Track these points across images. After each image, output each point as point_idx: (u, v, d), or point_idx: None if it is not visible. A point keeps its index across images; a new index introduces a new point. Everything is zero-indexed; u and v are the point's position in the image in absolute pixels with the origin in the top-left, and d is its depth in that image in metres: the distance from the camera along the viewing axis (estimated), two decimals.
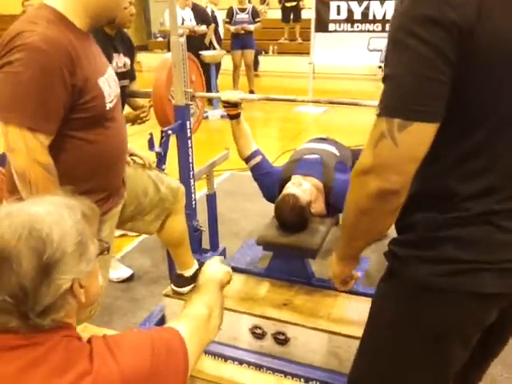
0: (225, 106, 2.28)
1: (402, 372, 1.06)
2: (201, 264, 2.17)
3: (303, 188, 2.17)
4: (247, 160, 2.37)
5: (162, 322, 2.23)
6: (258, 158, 2.36)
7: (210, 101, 6.72)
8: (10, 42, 1.25)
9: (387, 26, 6.22)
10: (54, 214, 0.79)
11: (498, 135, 0.87)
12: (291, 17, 10.51)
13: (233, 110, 2.28)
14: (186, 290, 2.13)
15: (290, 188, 2.18)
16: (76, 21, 1.38)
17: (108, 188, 1.56)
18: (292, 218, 2.11)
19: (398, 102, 0.83)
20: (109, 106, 1.46)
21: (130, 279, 2.66)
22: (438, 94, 0.82)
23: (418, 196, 0.91)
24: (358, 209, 0.93)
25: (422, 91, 0.81)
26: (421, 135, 0.83)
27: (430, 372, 1.04)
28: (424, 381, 1.06)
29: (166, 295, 2.18)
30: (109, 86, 1.47)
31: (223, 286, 1.32)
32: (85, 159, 1.43)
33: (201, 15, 6.64)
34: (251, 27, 7.40)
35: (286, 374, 1.93)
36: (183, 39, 2.23)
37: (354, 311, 2.01)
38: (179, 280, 2.13)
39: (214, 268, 1.32)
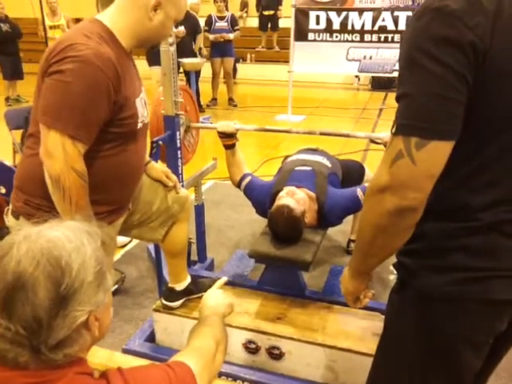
0: (220, 137, 2.31)
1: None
2: (191, 277, 2.13)
3: (297, 197, 2.14)
4: (239, 183, 2.37)
5: (151, 337, 2.16)
6: (247, 179, 2.37)
7: None
8: (62, 51, 1.28)
9: (365, 37, 6.32)
10: (74, 240, 0.74)
11: (507, 151, 0.88)
12: (269, 25, 10.56)
13: (228, 141, 2.32)
14: (176, 304, 2.08)
15: (283, 198, 2.15)
16: (123, 40, 1.43)
17: (118, 202, 1.58)
18: (286, 229, 2.09)
19: (415, 121, 0.84)
20: (139, 125, 1.51)
21: (115, 292, 2.58)
22: (454, 112, 0.83)
23: (428, 207, 0.91)
24: (375, 226, 0.93)
25: (439, 110, 0.83)
26: (438, 153, 0.84)
27: (446, 382, 1.04)
28: None
29: (156, 310, 2.12)
30: (141, 106, 1.52)
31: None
32: (104, 171, 1.45)
33: (192, 23, 6.66)
34: (231, 36, 7.39)
35: None
36: (173, 48, 2.20)
37: (349, 324, 1.99)
38: (170, 294, 2.07)
39: (217, 301, 1.26)
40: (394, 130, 0.88)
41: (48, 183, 1.33)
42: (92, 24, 1.40)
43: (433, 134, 0.83)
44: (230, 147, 2.34)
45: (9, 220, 1.51)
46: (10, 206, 1.51)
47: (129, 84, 1.42)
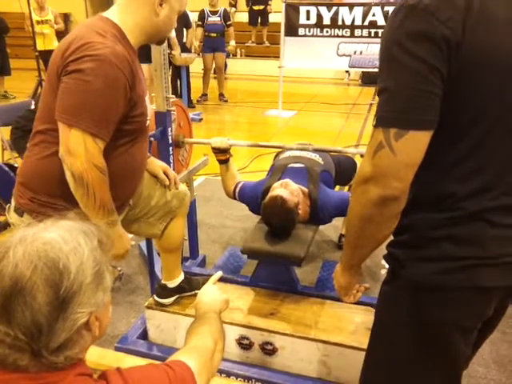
0: (214, 152, 2.35)
1: (412, 374, 1.07)
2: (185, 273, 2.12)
3: (290, 189, 2.15)
4: (233, 192, 2.40)
5: (144, 335, 2.16)
6: (240, 185, 2.40)
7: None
8: (78, 49, 1.28)
9: (356, 32, 6.32)
10: (71, 241, 0.73)
11: (487, 138, 0.91)
12: (259, 20, 10.52)
13: (222, 156, 2.36)
14: (168, 301, 2.07)
15: (277, 189, 2.15)
16: (131, 38, 1.44)
17: (121, 199, 1.59)
18: (280, 219, 2.09)
19: (393, 113, 0.88)
20: (148, 123, 1.55)
21: None
22: (430, 104, 0.87)
23: (414, 198, 0.95)
24: (361, 217, 0.96)
25: (416, 103, 0.87)
26: (416, 142, 0.88)
27: (439, 371, 1.05)
28: (435, 381, 1.07)
29: (148, 307, 2.11)
30: (148, 105, 1.54)
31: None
32: (112, 169, 1.44)
33: (182, 18, 6.60)
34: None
35: None
36: (164, 43, 2.17)
37: (342, 319, 2.00)
38: (162, 291, 2.06)
39: (213, 297, 1.26)
40: (374, 123, 0.92)
41: (70, 181, 1.34)
42: (103, 22, 1.40)
43: (410, 124, 0.86)
44: (223, 162, 2.38)
45: (11, 217, 1.49)
46: (13, 203, 1.49)
47: (140, 81, 1.45)
